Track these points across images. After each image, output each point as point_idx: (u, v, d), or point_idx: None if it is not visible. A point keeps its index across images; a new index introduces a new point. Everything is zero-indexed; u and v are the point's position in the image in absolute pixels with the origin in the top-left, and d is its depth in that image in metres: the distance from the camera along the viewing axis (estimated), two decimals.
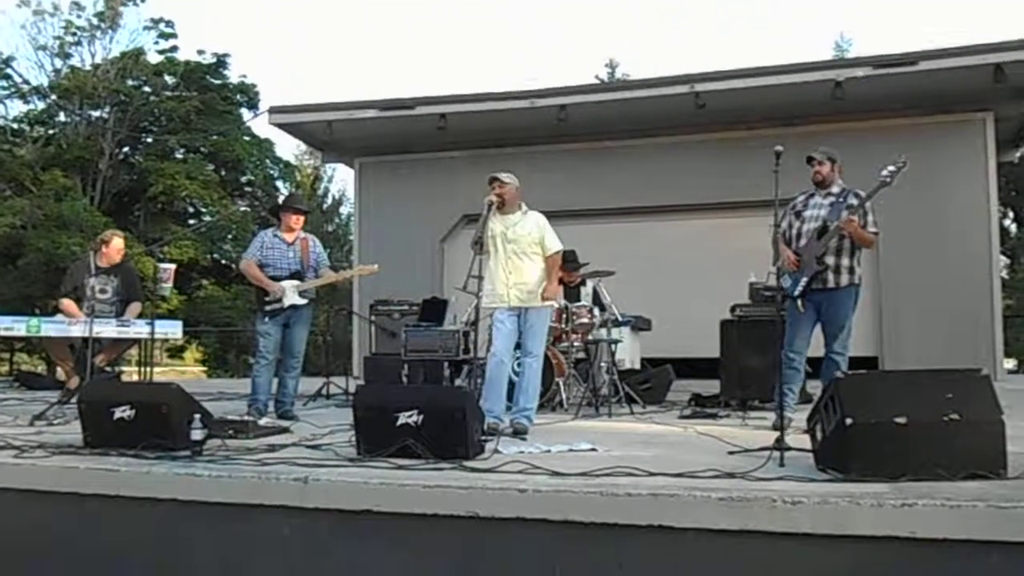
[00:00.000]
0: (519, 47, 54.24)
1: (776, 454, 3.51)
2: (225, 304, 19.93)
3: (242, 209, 20.85)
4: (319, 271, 6.01)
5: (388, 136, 10.75)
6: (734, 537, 2.83)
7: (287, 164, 23.98)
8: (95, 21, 20.81)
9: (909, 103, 9.21)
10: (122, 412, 4.03)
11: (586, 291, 7.27)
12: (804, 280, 5.07)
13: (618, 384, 6.39)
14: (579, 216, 9.56)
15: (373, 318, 8.15)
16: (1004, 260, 17.96)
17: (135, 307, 6.38)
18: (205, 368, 22.17)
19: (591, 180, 10.18)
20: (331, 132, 10.35)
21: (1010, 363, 15.38)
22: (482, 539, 3.10)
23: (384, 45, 54.54)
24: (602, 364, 6.49)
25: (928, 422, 3.12)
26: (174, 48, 21.36)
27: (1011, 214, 20.49)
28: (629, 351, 7.55)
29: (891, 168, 4.82)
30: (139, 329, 5.99)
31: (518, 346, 5.16)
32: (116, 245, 6.51)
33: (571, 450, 4.10)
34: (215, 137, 20.83)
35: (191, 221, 21.65)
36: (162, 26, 21.20)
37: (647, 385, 7.01)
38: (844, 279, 5.06)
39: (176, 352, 22.67)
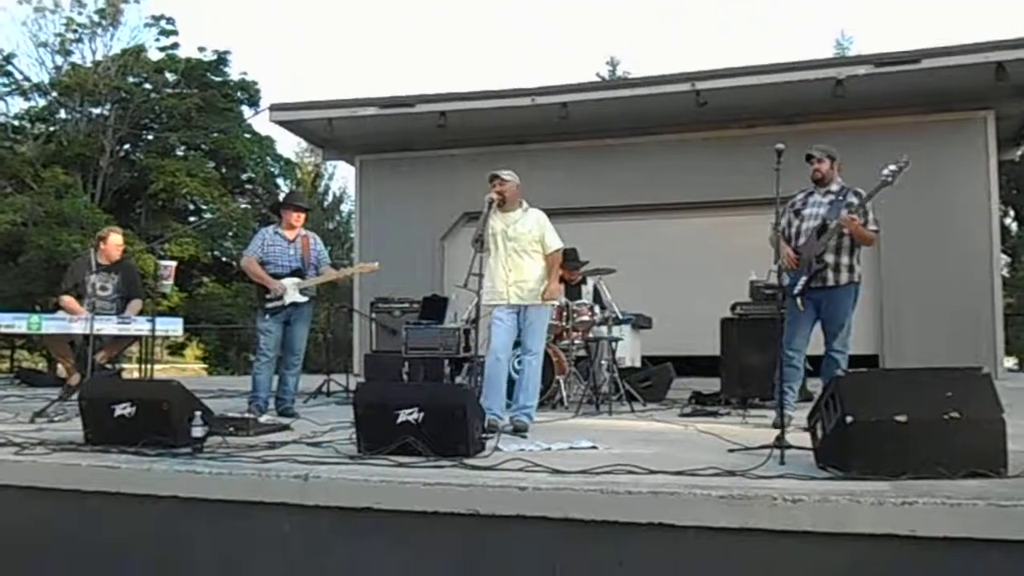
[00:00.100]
0: (520, 46, 54.26)
1: (776, 452, 3.52)
2: (226, 301, 19.90)
3: (243, 206, 20.80)
4: (320, 268, 6.01)
5: (389, 134, 10.75)
6: (734, 535, 2.84)
7: (288, 161, 23.96)
8: (96, 18, 20.85)
9: (910, 101, 9.19)
10: (123, 409, 4.04)
11: (587, 289, 7.28)
12: (804, 278, 5.06)
13: (618, 382, 6.40)
14: (580, 214, 9.56)
15: (374, 316, 8.15)
16: (1005, 258, 17.92)
17: (136, 304, 6.37)
18: (206, 365, 22.15)
19: (592, 178, 10.18)
20: (332, 130, 10.36)
21: (1010, 361, 15.35)
22: (482, 537, 3.10)
23: (385, 43, 54.55)
24: (603, 362, 6.50)
25: (929, 420, 3.13)
26: (175, 45, 21.40)
27: (1012, 212, 20.45)
28: (630, 349, 7.54)
29: (893, 167, 4.80)
30: (140, 326, 5.97)
31: (517, 344, 5.16)
32: (114, 241, 6.49)
33: (571, 448, 4.10)
34: (216, 134, 20.82)
35: (192, 218, 21.65)
36: (163, 23, 21.25)
37: (647, 383, 7.02)
38: (844, 277, 5.05)
39: (177, 349, 22.65)
